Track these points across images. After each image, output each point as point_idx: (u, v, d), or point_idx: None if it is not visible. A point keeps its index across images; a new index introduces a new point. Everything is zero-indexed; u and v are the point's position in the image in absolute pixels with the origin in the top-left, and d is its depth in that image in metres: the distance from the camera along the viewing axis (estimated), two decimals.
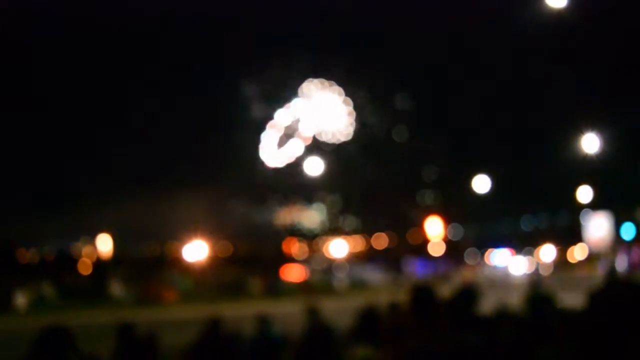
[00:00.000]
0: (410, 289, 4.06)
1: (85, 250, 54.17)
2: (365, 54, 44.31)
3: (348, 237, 56.50)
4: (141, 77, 45.92)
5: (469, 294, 5.58)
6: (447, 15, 41.89)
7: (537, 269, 55.52)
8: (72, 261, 52.32)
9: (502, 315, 7.25)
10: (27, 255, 54.48)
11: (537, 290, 8.94)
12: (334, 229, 53.86)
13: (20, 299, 34.59)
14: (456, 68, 45.57)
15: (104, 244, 52.46)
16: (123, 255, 52.49)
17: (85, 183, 49.03)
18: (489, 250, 64.58)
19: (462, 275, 50.04)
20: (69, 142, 48.67)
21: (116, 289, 41.64)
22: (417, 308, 3.93)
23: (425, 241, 54.72)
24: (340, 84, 46.40)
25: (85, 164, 48.94)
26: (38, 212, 49.05)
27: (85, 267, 51.77)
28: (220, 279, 46.27)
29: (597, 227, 53.63)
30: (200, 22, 43.84)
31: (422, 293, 3.96)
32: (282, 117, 46.51)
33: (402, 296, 8.28)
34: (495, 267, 62.55)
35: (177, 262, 50.28)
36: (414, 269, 54.90)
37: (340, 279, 49.20)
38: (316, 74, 45.82)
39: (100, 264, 50.84)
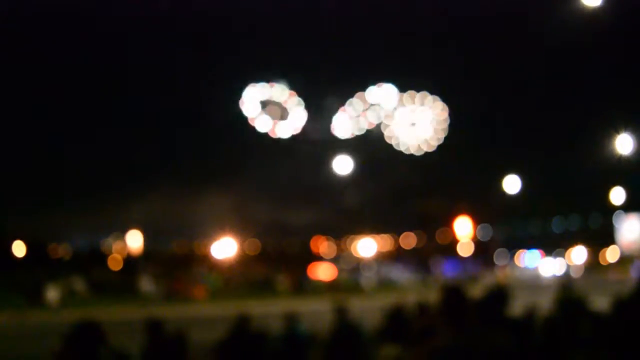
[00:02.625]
0: (440, 289, 4.04)
1: (116, 246, 54.77)
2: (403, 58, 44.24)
3: (376, 236, 56.35)
4: (173, 79, 46.34)
5: (499, 295, 5.54)
6: (479, 15, 41.59)
7: (567, 271, 54.90)
8: (102, 257, 52.91)
9: (533, 317, 7.18)
10: (59, 250, 55.24)
11: (568, 292, 8.83)
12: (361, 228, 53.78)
13: (52, 293, 35.04)
14: (489, 68, 45.22)
15: (135, 240, 52.98)
16: (153, 252, 52.97)
17: (117, 180, 49.60)
18: (519, 251, 64.00)
19: (496, 276, 49.66)
20: (102, 140, 49.26)
21: (146, 285, 41.98)
22: (447, 308, 3.90)
23: (454, 241, 54.35)
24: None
25: (118, 162, 49.52)
26: (70, 208, 49.75)
27: (115, 263, 52.33)
28: (249, 276, 46.46)
29: (630, 229, 52.87)
30: (241, 24, 44.06)
31: (453, 293, 3.93)
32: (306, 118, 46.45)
33: (430, 296, 8.25)
34: (525, 269, 61.98)
35: (206, 259, 50.59)
36: (443, 269, 54.59)
37: (368, 278, 49.10)
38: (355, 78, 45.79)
39: (130, 260, 51.35)
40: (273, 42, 44.42)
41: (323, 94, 45.52)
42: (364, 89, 46.18)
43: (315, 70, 44.75)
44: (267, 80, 44.95)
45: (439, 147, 49.39)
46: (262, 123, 44.37)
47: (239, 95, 46.18)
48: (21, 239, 50.13)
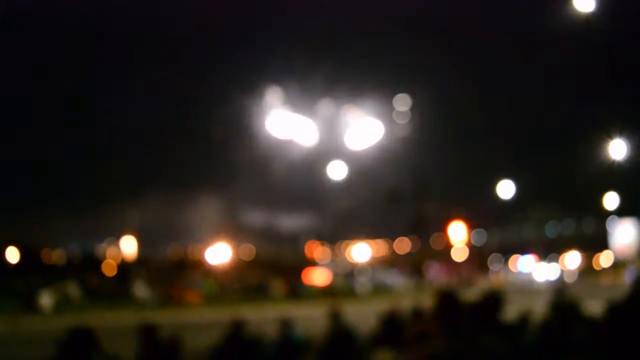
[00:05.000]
0: (434, 294, 4.04)
1: (110, 251, 54.66)
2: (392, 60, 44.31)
3: (371, 241, 56.40)
4: (168, 86, 46.38)
5: (493, 299, 5.55)
6: (474, 17, 41.68)
7: (561, 276, 54.99)
8: (96, 262, 52.80)
9: (527, 322, 7.20)
10: (53, 255, 55.09)
11: (561, 297, 8.86)
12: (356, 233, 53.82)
13: (46, 299, 34.89)
14: (482, 72, 45.35)
15: (129, 245, 52.88)
16: (147, 257, 52.88)
17: (111, 186, 49.54)
18: (513, 256, 64.11)
19: (490, 281, 49.71)
20: (96, 146, 49.20)
21: (140, 290, 41.86)
22: (441, 313, 3.91)
23: (449, 246, 54.42)
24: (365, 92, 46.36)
25: (112, 167, 49.45)
26: (64, 214, 49.65)
27: (109, 268, 52.22)
28: (243, 281, 46.39)
29: (624, 234, 53.05)
30: (229, 30, 44.06)
31: (447, 298, 3.94)
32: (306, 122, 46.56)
33: (424, 301, 8.26)
34: (519, 273, 62.07)
35: (201, 265, 50.53)
36: (437, 274, 54.64)
37: (363, 283, 49.07)
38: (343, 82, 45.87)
39: (124, 266, 51.25)
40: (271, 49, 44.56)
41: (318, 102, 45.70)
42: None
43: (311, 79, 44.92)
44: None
45: (434, 152, 49.51)
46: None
47: (234, 102, 46.24)
48: (14, 244, 49.99)
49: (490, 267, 62.07)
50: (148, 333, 7.31)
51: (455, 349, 3.79)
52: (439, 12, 41.72)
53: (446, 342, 3.82)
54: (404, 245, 61.90)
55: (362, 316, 12.70)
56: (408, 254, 60.64)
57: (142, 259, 52.60)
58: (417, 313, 8.43)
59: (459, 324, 3.88)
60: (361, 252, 54.99)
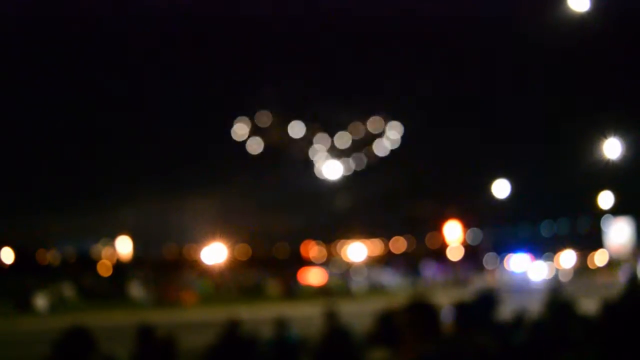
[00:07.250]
0: (406, 304, 3.99)
1: (105, 251, 54.57)
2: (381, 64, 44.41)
3: (366, 240, 56.40)
4: (165, 87, 46.39)
5: (488, 299, 5.57)
6: (470, 18, 41.76)
7: (556, 275, 55.07)
8: (92, 262, 52.70)
9: (522, 320, 7.22)
10: (48, 256, 54.98)
11: (556, 296, 8.87)
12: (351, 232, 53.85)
13: (41, 300, 34.79)
14: (478, 72, 45.42)
15: (124, 245, 52.78)
16: (143, 257, 52.79)
17: (106, 186, 49.46)
18: (508, 255, 64.19)
19: (486, 280, 49.76)
20: (91, 146, 49.12)
21: (136, 290, 41.80)
22: (413, 320, 3.86)
23: (444, 245, 54.46)
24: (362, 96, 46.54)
25: (107, 167, 49.36)
26: (59, 214, 49.54)
27: (105, 269, 52.13)
28: (239, 281, 46.37)
29: (618, 232, 53.13)
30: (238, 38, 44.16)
31: (418, 307, 3.89)
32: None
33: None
34: (514, 272, 62.15)
35: (196, 265, 50.47)
36: (432, 273, 54.69)
37: (358, 282, 49.08)
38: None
39: (120, 266, 51.16)
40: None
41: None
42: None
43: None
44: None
45: (431, 151, 49.60)
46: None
47: (229, 105, 46.38)
48: (9, 245, 49.86)
49: (486, 266, 62.13)
50: (144, 333, 7.31)
51: (450, 348, 3.80)
52: (435, 10, 41.83)
53: (441, 342, 3.83)
54: (399, 244, 61.94)
55: (358, 315, 12.71)
56: (404, 254, 60.68)
57: (138, 259, 52.51)
58: None
59: (433, 329, 3.83)
60: (357, 251, 54.95)
